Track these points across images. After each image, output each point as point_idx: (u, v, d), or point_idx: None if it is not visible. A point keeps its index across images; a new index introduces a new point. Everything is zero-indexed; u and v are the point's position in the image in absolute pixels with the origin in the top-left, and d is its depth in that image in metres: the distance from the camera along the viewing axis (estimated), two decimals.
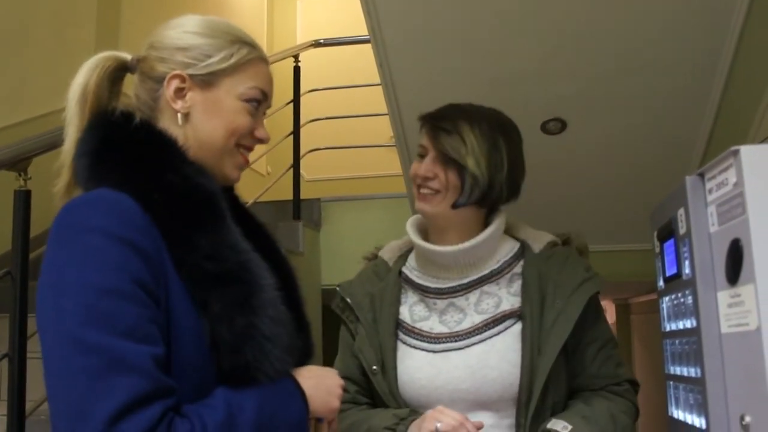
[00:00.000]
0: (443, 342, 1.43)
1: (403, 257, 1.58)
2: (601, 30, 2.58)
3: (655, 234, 1.48)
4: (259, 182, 4.91)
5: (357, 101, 4.69)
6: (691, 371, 1.27)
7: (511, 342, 1.39)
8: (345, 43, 4.65)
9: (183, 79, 1.08)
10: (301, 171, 4.09)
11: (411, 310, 1.50)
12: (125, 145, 1.04)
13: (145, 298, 0.91)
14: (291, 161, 4.07)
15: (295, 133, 4.08)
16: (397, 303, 1.50)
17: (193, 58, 1.09)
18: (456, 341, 1.42)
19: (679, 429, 1.36)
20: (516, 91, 2.92)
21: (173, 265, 0.96)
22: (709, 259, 1.20)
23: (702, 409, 1.21)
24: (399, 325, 1.48)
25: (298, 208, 3.89)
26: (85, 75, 1.09)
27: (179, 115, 1.08)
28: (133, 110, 1.10)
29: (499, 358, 1.38)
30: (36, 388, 2.28)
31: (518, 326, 1.41)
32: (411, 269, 1.54)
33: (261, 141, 1.15)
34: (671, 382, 1.41)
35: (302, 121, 4.15)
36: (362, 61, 4.85)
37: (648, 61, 2.68)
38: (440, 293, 1.47)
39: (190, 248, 0.97)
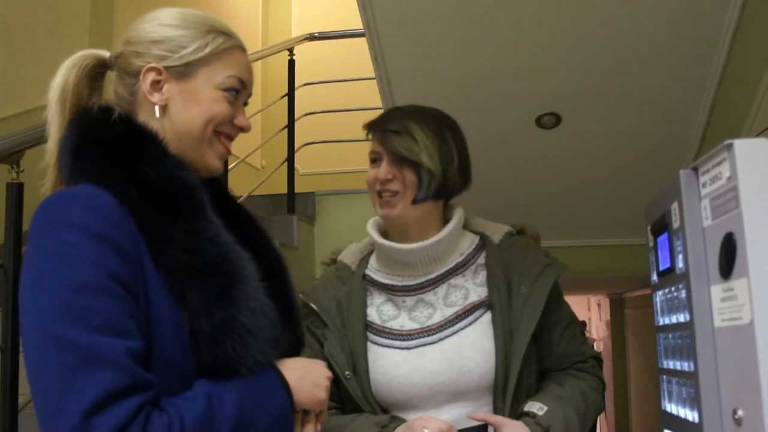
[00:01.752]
0: (416, 338, 1.45)
1: (364, 260, 1.59)
2: (596, 24, 2.58)
3: (649, 228, 1.48)
4: (253, 176, 4.91)
5: (351, 95, 4.68)
6: (684, 365, 1.27)
7: (482, 331, 1.43)
8: (340, 37, 4.64)
9: (159, 72, 1.08)
10: (295, 165, 4.08)
11: (379, 310, 1.51)
12: (105, 140, 1.04)
13: (122, 293, 0.91)
14: (285, 155, 4.06)
15: (290, 126, 4.08)
16: (364, 306, 1.52)
17: (168, 50, 1.09)
18: (429, 335, 1.44)
19: (672, 423, 1.37)
20: (510, 86, 2.93)
21: (151, 260, 0.97)
22: (703, 253, 1.20)
23: (695, 402, 1.21)
24: (368, 327, 1.50)
25: (292, 201, 3.89)
26: (63, 74, 1.10)
27: (157, 107, 1.08)
28: (112, 105, 1.10)
29: (474, 348, 1.41)
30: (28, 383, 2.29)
31: (488, 315, 1.45)
32: (374, 270, 1.55)
33: (242, 129, 1.15)
34: (664, 377, 1.41)
35: (297, 114, 4.14)
36: (357, 55, 4.85)
37: (643, 56, 2.68)
38: (408, 290, 1.49)
39: (167, 242, 0.98)
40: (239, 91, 1.14)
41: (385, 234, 1.54)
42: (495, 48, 2.75)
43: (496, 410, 1.41)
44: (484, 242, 1.55)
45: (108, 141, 1.04)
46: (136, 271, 0.94)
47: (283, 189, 3.97)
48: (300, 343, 1.17)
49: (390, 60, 2.89)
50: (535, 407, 1.41)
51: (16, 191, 1.98)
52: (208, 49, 1.10)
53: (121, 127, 1.06)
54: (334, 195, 4.07)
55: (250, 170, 5.20)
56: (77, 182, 1.00)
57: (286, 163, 4.04)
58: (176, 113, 1.09)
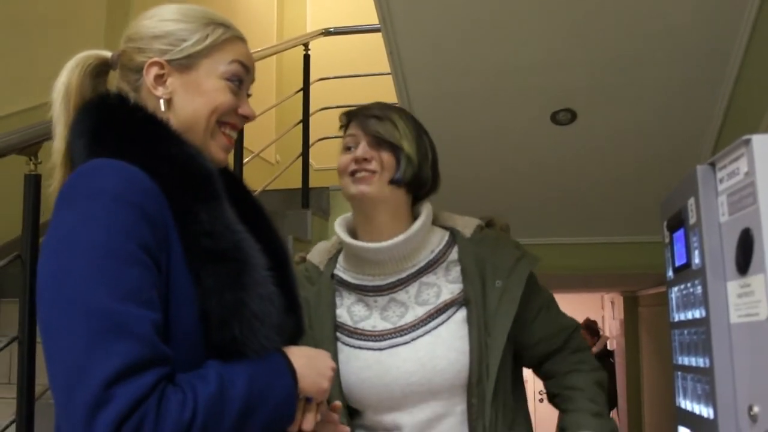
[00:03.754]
0: (388, 338, 1.44)
1: (333, 260, 1.57)
2: (612, 20, 2.57)
3: (665, 224, 1.47)
4: (267, 171, 4.91)
5: (365, 90, 4.68)
6: (700, 361, 1.26)
7: (455, 330, 1.42)
8: (355, 32, 4.64)
9: (161, 66, 1.09)
10: (309, 159, 4.09)
11: (350, 311, 1.50)
12: (124, 122, 1.05)
13: (149, 263, 0.92)
14: (299, 150, 4.07)
15: (305, 121, 4.09)
16: (333, 306, 1.50)
17: (170, 44, 1.10)
18: (401, 335, 1.43)
19: (686, 419, 1.36)
20: (526, 82, 2.92)
21: (177, 235, 0.98)
22: (719, 248, 1.19)
23: (710, 399, 1.20)
24: (339, 328, 1.48)
25: (306, 196, 3.90)
26: (66, 74, 1.11)
27: (162, 101, 1.09)
28: (126, 94, 1.11)
29: (447, 347, 1.40)
30: (45, 372, 2.31)
31: (461, 313, 1.43)
32: (343, 270, 1.53)
33: (246, 118, 1.16)
34: (679, 373, 1.40)
35: (311, 109, 4.14)
36: (371, 50, 4.84)
37: (659, 52, 2.67)
38: (379, 290, 1.47)
39: (192, 222, 0.99)
40: (242, 80, 1.15)
41: (354, 234, 1.51)
42: (510, 44, 2.75)
43: (470, 407, 1.40)
44: (454, 237, 1.53)
45: (130, 123, 1.05)
46: (162, 242, 0.95)
47: (297, 183, 3.97)
48: (301, 331, 1.17)
49: (405, 55, 2.89)
50: None
51: (34, 183, 1.99)
52: (208, 41, 1.12)
53: (140, 113, 1.07)
54: None
55: (265, 165, 5.21)
56: (96, 158, 1.00)
57: (300, 158, 4.05)
58: (181, 106, 1.10)
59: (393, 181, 1.42)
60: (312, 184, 3.98)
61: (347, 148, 1.46)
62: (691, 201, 1.26)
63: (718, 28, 2.52)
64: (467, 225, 1.54)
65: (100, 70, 1.15)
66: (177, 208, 0.98)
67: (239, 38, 1.16)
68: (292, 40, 4.27)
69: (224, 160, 1.15)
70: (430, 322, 1.43)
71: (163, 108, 1.09)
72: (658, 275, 4.49)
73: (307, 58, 4.15)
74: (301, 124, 4.10)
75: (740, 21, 2.48)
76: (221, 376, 0.93)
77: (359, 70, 4.69)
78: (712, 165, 1.22)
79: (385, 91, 4.97)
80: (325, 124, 4.57)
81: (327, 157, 5.51)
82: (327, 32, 4.30)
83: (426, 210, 1.50)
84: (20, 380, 1.94)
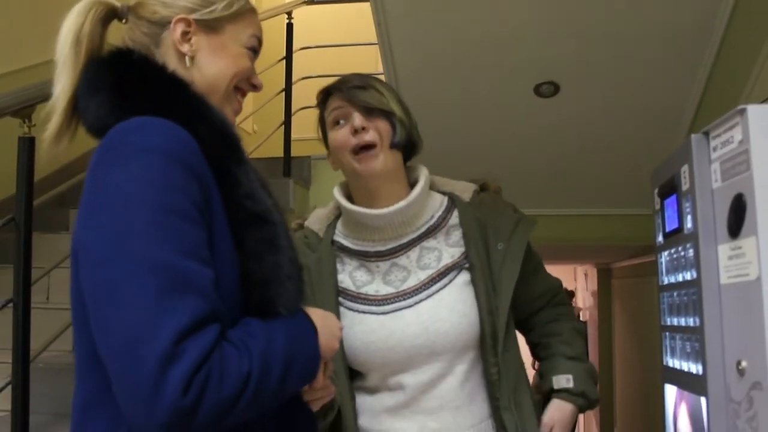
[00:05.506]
0: (392, 302, 1.47)
1: (331, 226, 1.58)
2: None
3: (656, 191, 1.53)
4: (246, 140, 4.90)
5: (345, 60, 4.68)
6: (689, 321, 1.33)
7: (457, 293, 1.46)
8: (337, 1, 4.63)
9: (189, 23, 1.11)
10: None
11: (352, 276, 1.52)
12: (152, 82, 1.04)
13: (202, 222, 0.93)
14: (278, 119, 4.07)
15: (287, 90, 4.08)
16: (335, 272, 1.52)
17: (196, 4, 1.12)
18: (405, 299, 1.47)
19: (674, 377, 1.43)
20: (510, 54, 2.95)
21: (220, 196, 0.99)
22: (711, 213, 1.25)
23: (699, 356, 1.27)
24: (341, 293, 1.51)
25: (288, 165, 3.91)
26: (76, 19, 1.09)
27: (187, 57, 1.10)
28: (147, 53, 1.09)
29: (449, 310, 1.44)
30: (44, 337, 2.33)
31: (462, 276, 1.47)
32: (343, 236, 1.55)
33: (255, 88, 1.19)
34: (667, 333, 1.47)
35: (293, 79, 4.14)
36: (352, 20, 4.84)
37: (641, 25, 2.71)
38: (381, 255, 1.50)
39: (234, 184, 1.00)
40: (257, 52, 1.18)
41: (351, 199, 1.53)
42: (495, 15, 2.77)
43: (487, 365, 1.44)
44: (453, 202, 1.55)
45: (157, 83, 1.04)
46: (207, 202, 0.95)
47: (276, 153, 3.97)
48: (302, 296, 1.20)
49: (393, 26, 2.90)
50: (563, 381, 1.53)
51: (28, 145, 1.99)
52: (234, 8, 1.14)
53: (165, 74, 1.06)
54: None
55: (242, 134, 5.19)
56: (127, 118, 0.97)
57: (282, 127, 4.05)
58: (204, 64, 1.11)
59: (393, 146, 1.45)
60: (292, 153, 3.98)
61: (336, 122, 1.46)
62: (685, 168, 1.32)
63: (701, 2, 2.58)
64: (465, 189, 1.57)
65: (108, 18, 1.13)
66: (220, 171, 0.99)
67: (254, 10, 1.19)
68: (275, 9, 4.24)
69: (234, 124, 1.17)
70: (432, 285, 1.46)
71: (188, 64, 1.10)
72: (634, 247, 4.60)
73: (290, 27, 4.13)
74: (282, 93, 4.09)
75: None
76: (267, 332, 0.96)
77: (338, 39, 4.68)
78: (706, 134, 1.28)
79: (365, 61, 4.99)
80: (304, 93, 4.57)
81: (307, 126, 5.53)
82: (309, 1, 4.28)
83: (423, 175, 1.52)
84: (15, 344, 1.95)
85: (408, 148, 1.51)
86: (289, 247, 1.05)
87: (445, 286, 1.46)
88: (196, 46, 1.11)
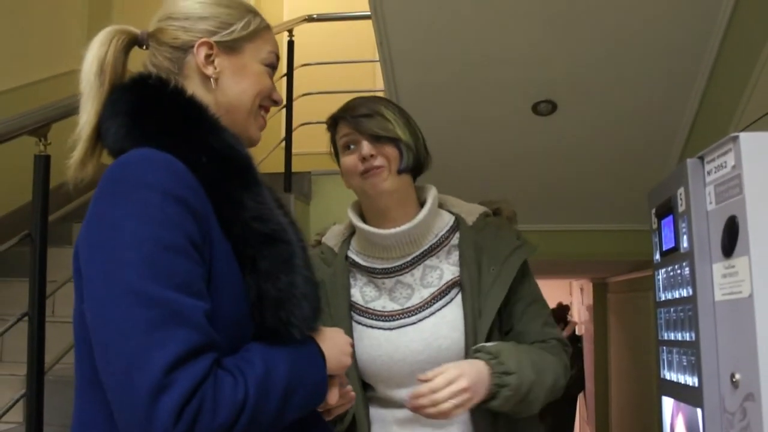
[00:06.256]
0: (397, 319, 1.53)
1: (346, 242, 1.64)
2: (593, 14, 2.68)
3: (653, 211, 1.59)
4: None
5: (345, 77, 4.75)
6: (686, 335, 1.39)
7: (457, 311, 1.51)
8: (336, 19, 4.70)
9: (211, 46, 1.14)
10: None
11: (362, 291, 1.59)
12: (165, 107, 1.08)
13: (197, 256, 0.96)
14: (278, 135, 4.13)
15: (288, 106, 4.15)
16: (348, 287, 1.59)
17: (217, 26, 1.15)
18: (409, 317, 1.53)
19: (670, 389, 1.49)
20: (508, 73, 3.02)
21: (219, 226, 1.02)
22: (706, 234, 1.32)
23: (695, 369, 1.33)
24: (352, 307, 1.57)
25: (289, 180, 3.97)
26: (99, 48, 1.12)
27: (212, 79, 1.13)
28: (165, 76, 1.13)
29: (450, 327, 1.50)
30: (50, 350, 2.37)
31: (461, 295, 1.52)
32: (356, 253, 1.61)
33: (276, 103, 1.23)
34: (664, 347, 1.53)
35: (294, 95, 4.21)
36: (352, 37, 4.91)
37: (637, 47, 2.79)
38: (387, 273, 1.56)
39: (239, 209, 1.03)
40: (275, 68, 1.22)
41: (363, 218, 1.59)
42: (495, 34, 2.84)
43: None
44: (458, 224, 1.59)
45: (170, 108, 1.08)
46: (205, 235, 0.99)
47: (278, 168, 4.03)
48: (319, 314, 1.19)
49: (395, 44, 2.97)
50: (485, 345, 1.43)
51: (44, 163, 2.04)
52: (252, 27, 1.18)
53: (181, 97, 1.10)
54: (329, 175, 4.13)
55: None
56: (135, 146, 1.02)
57: (283, 143, 4.12)
58: (227, 86, 1.15)
59: (400, 171, 1.51)
60: (293, 168, 4.04)
61: (347, 147, 1.52)
62: (681, 191, 1.39)
63: (695, 24, 2.65)
64: (471, 212, 1.62)
65: (130, 45, 1.17)
66: (220, 201, 1.02)
67: (270, 28, 1.23)
68: (276, 27, 4.31)
69: (259, 140, 1.21)
70: (434, 303, 1.52)
71: (214, 86, 1.13)
72: (630, 262, 4.66)
73: (291, 44, 4.20)
74: (283, 110, 4.15)
75: (715, 19, 2.61)
76: (266, 360, 0.98)
77: (338, 56, 4.75)
78: (701, 159, 1.35)
79: (364, 78, 5.05)
80: (305, 109, 4.64)
81: (308, 141, 5.57)
82: (310, 19, 4.36)
83: (431, 196, 1.58)
84: (30, 356, 1.99)
85: (417, 168, 1.56)
86: (305, 265, 1.07)
87: (446, 304, 1.52)
88: (220, 68, 1.14)
